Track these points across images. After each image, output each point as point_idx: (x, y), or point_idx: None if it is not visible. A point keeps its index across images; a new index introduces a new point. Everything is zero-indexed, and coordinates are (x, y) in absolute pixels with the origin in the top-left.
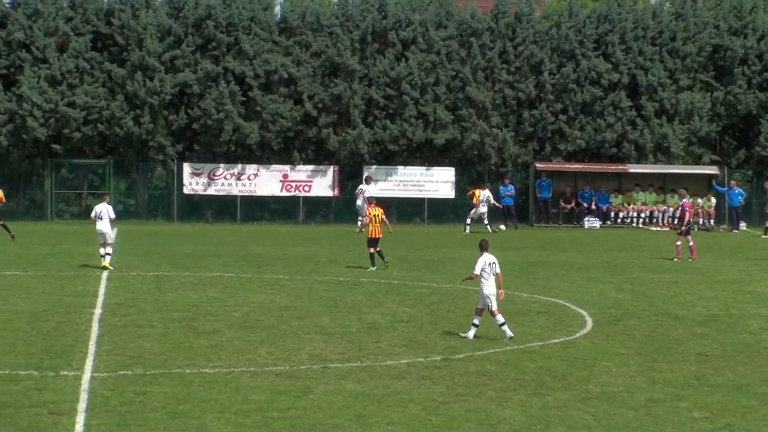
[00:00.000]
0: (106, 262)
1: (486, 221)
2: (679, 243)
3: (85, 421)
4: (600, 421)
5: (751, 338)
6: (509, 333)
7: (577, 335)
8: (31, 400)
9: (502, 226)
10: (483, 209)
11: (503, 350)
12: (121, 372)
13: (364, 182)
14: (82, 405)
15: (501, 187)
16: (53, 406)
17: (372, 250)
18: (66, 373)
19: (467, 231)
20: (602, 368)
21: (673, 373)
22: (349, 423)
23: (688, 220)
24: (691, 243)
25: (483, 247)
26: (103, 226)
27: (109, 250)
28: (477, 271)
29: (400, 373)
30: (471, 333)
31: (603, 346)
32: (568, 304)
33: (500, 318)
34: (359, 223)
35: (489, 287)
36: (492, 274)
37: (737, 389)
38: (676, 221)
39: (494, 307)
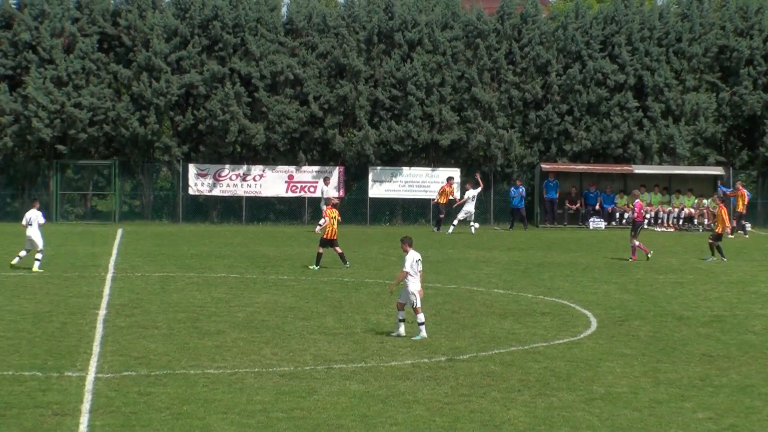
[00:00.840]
0: (35, 267)
1: (472, 221)
2: (637, 243)
3: (89, 422)
4: (604, 422)
5: (755, 339)
6: (423, 334)
7: (582, 336)
8: (35, 401)
9: (476, 225)
10: (470, 208)
11: (508, 351)
12: (126, 373)
13: (322, 183)
14: (86, 406)
15: (512, 188)
16: (57, 407)
17: (321, 249)
18: (70, 373)
19: (450, 231)
20: (607, 369)
21: (678, 374)
22: (354, 423)
23: (636, 220)
24: (637, 243)
25: (409, 244)
26: (32, 232)
27: (39, 255)
28: (407, 268)
29: (404, 374)
30: (401, 329)
31: (607, 346)
32: (572, 305)
33: (421, 317)
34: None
35: (415, 284)
36: (417, 272)
37: (742, 390)
38: (629, 224)
39: (418, 305)
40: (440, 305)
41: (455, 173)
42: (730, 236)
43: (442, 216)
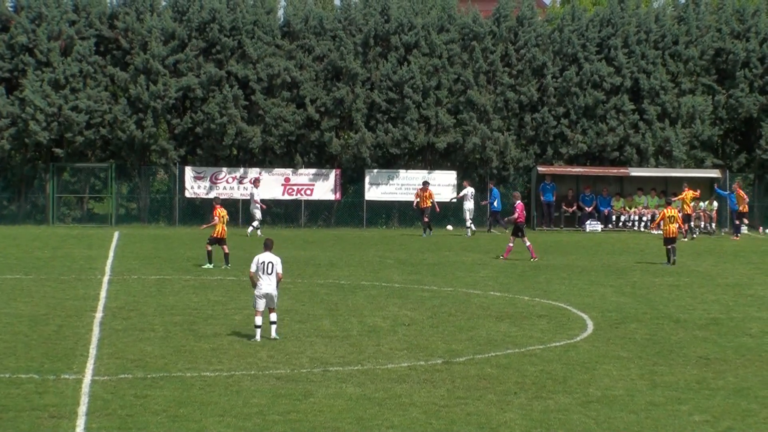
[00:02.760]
0: None
1: (469, 222)
2: (511, 244)
3: (86, 425)
4: (601, 425)
5: (752, 342)
6: (274, 334)
7: (578, 338)
8: (32, 404)
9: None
10: (471, 205)
11: (504, 354)
12: (122, 375)
13: (253, 185)
14: (82, 408)
15: (494, 189)
16: (54, 410)
17: (209, 247)
18: (67, 376)
19: (469, 234)
20: (603, 371)
21: (674, 377)
22: (350, 426)
23: (516, 219)
24: (528, 244)
25: (266, 246)
26: None
27: None
28: (252, 269)
29: (400, 377)
30: (258, 335)
31: (604, 349)
32: (569, 308)
33: (274, 316)
34: (254, 225)
35: (266, 286)
36: (267, 274)
37: (738, 393)
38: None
39: (273, 305)
40: (437, 308)
41: (451, 176)
42: (684, 239)
43: (426, 220)
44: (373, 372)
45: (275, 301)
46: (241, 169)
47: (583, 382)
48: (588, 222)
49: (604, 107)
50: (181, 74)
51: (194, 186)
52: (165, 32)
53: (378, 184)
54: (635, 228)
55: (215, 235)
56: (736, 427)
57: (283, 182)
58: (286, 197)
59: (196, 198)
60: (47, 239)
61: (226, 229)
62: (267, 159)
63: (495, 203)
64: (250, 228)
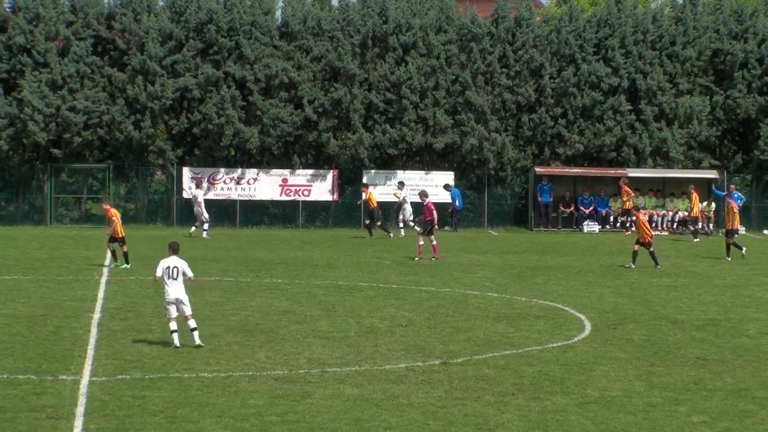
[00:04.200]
0: None
1: (411, 222)
2: (421, 243)
3: (83, 426)
4: (598, 426)
5: (749, 342)
6: (197, 341)
7: (576, 339)
8: (30, 405)
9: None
10: (407, 207)
11: (502, 354)
12: (120, 376)
13: (195, 186)
14: (80, 409)
15: (453, 190)
16: (51, 411)
17: (111, 247)
18: (64, 377)
19: (395, 235)
20: (601, 372)
21: (672, 378)
22: (348, 427)
23: (430, 219)
24: (434, 242)
25: (172, 250)
26: None
27: None
28: (158, 274)
29: (398, 378)
30: (176, 339)
31: (601, 350)
32: (566, 309)
33: (192, 323)
34: (197, 227)
35: (174, 291)
36: (173, 279)
37: (736, 393)
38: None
39: (187, 312)
40: (434, 309)
41: (449, 177)
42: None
43: (376, 221)
44: (371, 373)
45: (187, 306)
46: (239, 170)
47: (581, 383)
48: (585, 223)
49: (602, 108)
50: (179, 75)
51: (192, 186)
52: (162, 33)
53: (375, 185)
54: (633, 229)
55: (114, 235)
56: (733, 428)
57: (281, 183)
58: (284, 198)
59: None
60: (45, 240)
61: (122, 228)
62: (264, 160)
63: (457, 202)
64: (198, 231)
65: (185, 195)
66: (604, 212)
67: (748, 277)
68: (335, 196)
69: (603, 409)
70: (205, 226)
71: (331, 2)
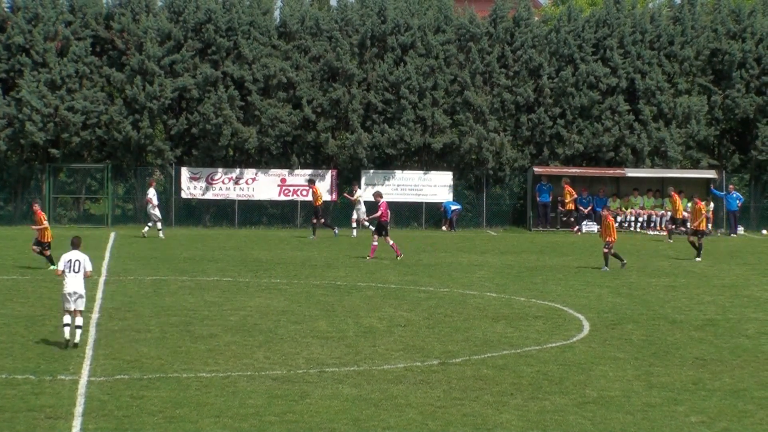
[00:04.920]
0: None
1: (366, 222)
2: (375, 243)
3: (82, 426)
4: (597, 426)
5: (748, 342)
6: (77, 339)
7: (575, 339)
8: (28, 405)
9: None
10: (361, 207)
11: (500, 354)
12: (118, 376)
13: (151, 187)
14: (78, 409)
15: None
16: (50, 411)
17: (37, 249)
18: (63, 377)
19: (354, 234)
20: (599, 372)
21: (670, 378)
22: (346, 427)
23: (380, 218)
24: (391, 242)
25: (74, 244)
26: None
27: None
28: (60, 268)
29: (397, 378)
30: (66, 333)
31: (600, 350)
32: (565, 309)
33: (79, 320)
34: (150, 226)
35: (71, 285)
36: (75, 272)
37: (734, 393)
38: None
39: (80, 307)
40: (433, 309)
41: (447, 176)
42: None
43: (321, 219)
44: (370, 373)
45: (82, 301)
46: (237, 170)
47: (580, 383)
48: (584, 223)
49: (600, 108)
50: (177, 75)
51: (190, 187)
52: (161, 33)
53: (374, 185)
54: (631, 229)
55: (41, 239)
56: (732, 428)
57: (279, 183)
58: (282, 198)
59: (192, 199)
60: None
61: (50, 233)
62: (263, 160)
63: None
64: (152, 230)
65: (184, 195)
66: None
67: (747, 277)
68: (334, 196)
69: (601, 409)
70: (159, 225)
71: (330, 2)
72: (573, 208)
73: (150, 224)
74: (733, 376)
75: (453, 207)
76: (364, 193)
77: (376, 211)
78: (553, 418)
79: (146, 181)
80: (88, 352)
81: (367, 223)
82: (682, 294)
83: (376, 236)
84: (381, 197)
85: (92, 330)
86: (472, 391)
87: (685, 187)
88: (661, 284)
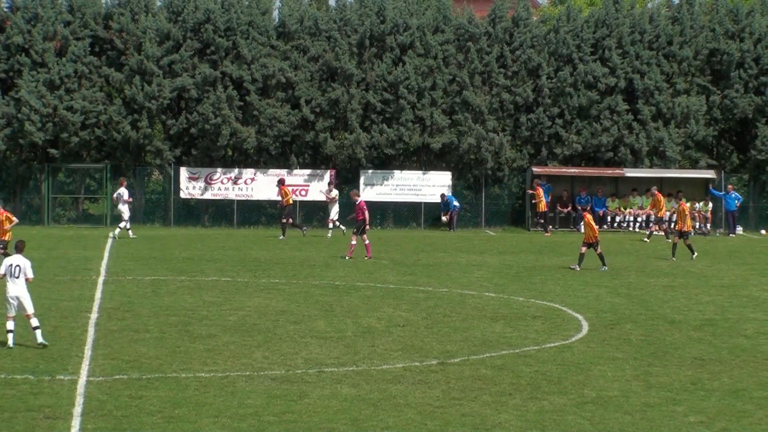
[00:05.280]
0: None
1: (337, 221)
2: (353, 242)
3: (81, 426)
4: (596, 426)
5: (747, 342)
6: (40, 339)
7: (573, 339)
8: (27, 405)
9: (341, 228)
10: (337, 207)
11: (499, 354)
12: (117, 376)
13: (121, 186)
14: (77, 409)
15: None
16: (49, 411)
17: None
18: (62, 377)
19: (329, 235)
20: (598, 372)
21: (669, 378)
22: (345, 427)
23: (362, 219)
24: (367, 242)
25: (17, 248)
26: None
27: None
28: (2, 272)
29: (395, 377)
30: (10, 340)
31: (599, 350)
32: (564, 309)
33: (34, 321)
34: (122, 226)
35: (13, 290)
36: (15, 277)
37: (733, 394)
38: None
39: (29, 310)
40: (432, 309)
41: (446, 176)
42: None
43: (288, 221)
44: (368, 373)
45: (28, 304)
46: (236, 170)
47: (578, 383)
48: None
49: (599, 107)
50: (176, 75)
51: (189, 187)
52: (160, 33)
53: (373, 185)
54: (630, 229)
55: (2, 237)
56: (731, 428)
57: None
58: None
59: (191, 199)
60: (42, 240)
61: (10, 232)
62: (262, 159)
63: (455, 202)
64: (124, 232)
65: (182, 195)
66: (601, 212)
67: (746, 277)
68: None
69: (600, 409)
70: (128, 225)
71: (328, 2)
72: (545, 209)
73: (121, 225)
74: (732, 376)
75: (455, 203)
76: (336, 193)
77: (356, 211)
78: (551, 418)
79: (118, 181)
80: (87, 352)
81: (338, 222)
82: (681, 294)
83: (354, 236)
84: (358, 196)
85: (91, 330)
86: (471, 391)
87: (684, 188)
88: (659, 284)
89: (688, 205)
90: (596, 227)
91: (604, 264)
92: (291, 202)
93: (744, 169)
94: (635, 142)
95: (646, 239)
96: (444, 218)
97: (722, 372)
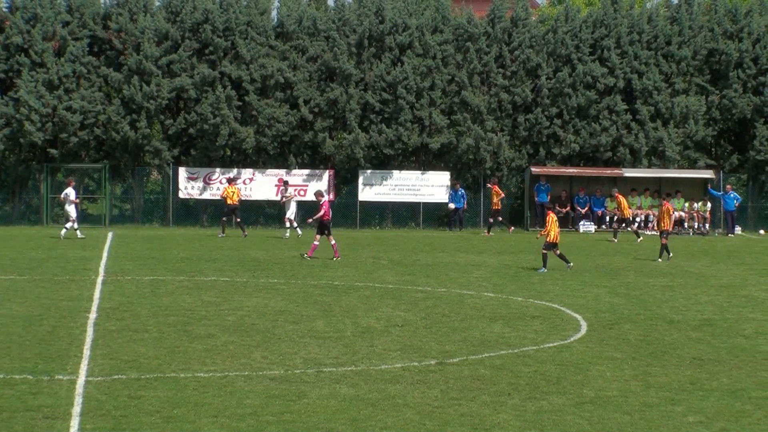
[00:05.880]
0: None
1: (289, 220)
2: (316, 242)
3: (80, 426)
4: (594, 426)
5: (746, 342)
6: None
7: (572, 339)
8: (26, 405)
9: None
10: (295, 207)
11: (498, 354)
12: (116, 376)
13: (69, 186)
14: (76, 409)
15: (453, 192)
16: (48, 411)
17: None
18: (60, 377)
19: (287, 235)
20: (597, 372)
21: (668, 378)
22: (344, 427)
23: (322, 217)
24: (333, 242)
25: None
26: None
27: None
28: None
29: (394, 377)
30: None
31: (597, 350)
32: (562, 309)
33: None
34: (69, 227)
35: None
36: None
37: (732, 393)
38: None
39: None
40: (430, 308)
41: (445, 177)
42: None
43: (230, 219)
44: (367, 373)
45: None
46: (235, 170)
47: (577, 383)
48: (581, 222)
49: (597, 108)
50: (175, 75)
51: (188, 187)
52: (158, 33)
53: (372, 185)
54: (629, 229)
55: None
56: (730, 428)
57: (277, 183)
58: (280, 198)
59: (190, 199)
60: (41, 240)
61: None
62: (260, 160)
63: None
64: (71, 232)
65: (181, 195)
66: (599, 212)
67: (745, 277)
68: (331, 196)
69: (599, 409)
70: (75, 225)
71: (327, 2)
72: (499, 207)
73: (68, 225)
74: (731, 376)
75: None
76: (293, 193)
77: (319, 211)
78: (550, 418)
79: (66, 181)
80: (86, 352)
81: (290, 224)
82: (680, 294)
83: (318, 235)
84: (323, 196)
85: (90, 330)
86: (470, 391)
87: (683, 187)
88: (658, 284)
89: (672, 204)
90: (558, 228)
91: (568, 262)
92: (237, 201)
93: (743, 169)
94: (634, 142)
95: (613, 239)
96: (451, 205)
97: (721, 372)
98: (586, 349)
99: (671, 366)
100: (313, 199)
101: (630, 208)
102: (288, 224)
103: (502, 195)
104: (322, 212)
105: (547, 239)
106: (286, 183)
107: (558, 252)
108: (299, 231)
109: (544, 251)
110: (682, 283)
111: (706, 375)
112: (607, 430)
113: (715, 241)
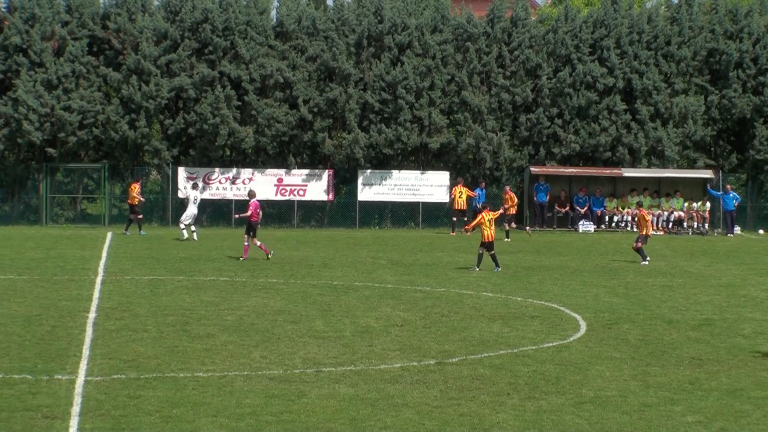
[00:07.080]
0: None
1: (185, 223)
2: (246, 243)
3: (79, 425)
4: (593, 426)
5: (745, 342)
6: None
7: (571, 339)
8: (25, 404)
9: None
10: (195, 210)
11: (497, 354)
12: (115, 376)
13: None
14: (75, 409)
15: (478, 189)
16: (47, 410)
17: None
18: (60, 377)
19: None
20: (596, 372)
21: (667, 378)
22: (343, 427)
23: (250, 218)
24: (259, 243)
25: None
26: None
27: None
28: None
29: (393, 377)
30: None
31: (597, 350)
32: (562, 308)
33: None
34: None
35: None
36: None
37: (731, 393)
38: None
39: None
40: (430, 308)
41: (444, 176)
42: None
43: (137, 217)
44: (366, 372)
45: None
46: (234, 170)
47: (576, 382)
48: (581, 222)
49: (597, 108)
50: (174, 74)
51: (187, 186)
52: (157, 32)
53: (371, 185)
54: (628, 228)
55: None
56: (729, 428)
57: (276, 183)
58: (279, 198)
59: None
60: (40, 240)
61: None
62: (260, 159)
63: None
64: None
65: (180, 195)
66: (599, 212)
67: (744, 276)
68: (330, 196)
69: (598, 409)
70: (183, 224)
71: (326, 2)
72: (465, 207)
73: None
74: (730, 376)
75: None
76: (199, 195)
77: (246, 210)
78: (549, 418)
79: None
80: (86, 351)
81: (183, 225)
82: (679, 294)
83: (246, 236)
84: (254, 197)
85: (89, 330)
86: (469, 391)
87: (682, 187)
88: (657, 284)
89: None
90: (493, 228)
91: (497, 265)
92: (137, 201)
93: (742, 169)
94: (633, 142)
95: (506, 239)
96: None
97: (720, 372)
98: (585, 348)
99: (670, 366)
100: (313, 199)
101: (630, 208)
102: (182, 226)
103: (516, 201)
104: (248, 213)
105: (483, 239)
106: (195, 184)
107: (492, 252)
108: (185, 234)
109: (480, 251)
110: (682, 282)
111: (705, 375)
112: (606, 429)
113: (714, 241)
